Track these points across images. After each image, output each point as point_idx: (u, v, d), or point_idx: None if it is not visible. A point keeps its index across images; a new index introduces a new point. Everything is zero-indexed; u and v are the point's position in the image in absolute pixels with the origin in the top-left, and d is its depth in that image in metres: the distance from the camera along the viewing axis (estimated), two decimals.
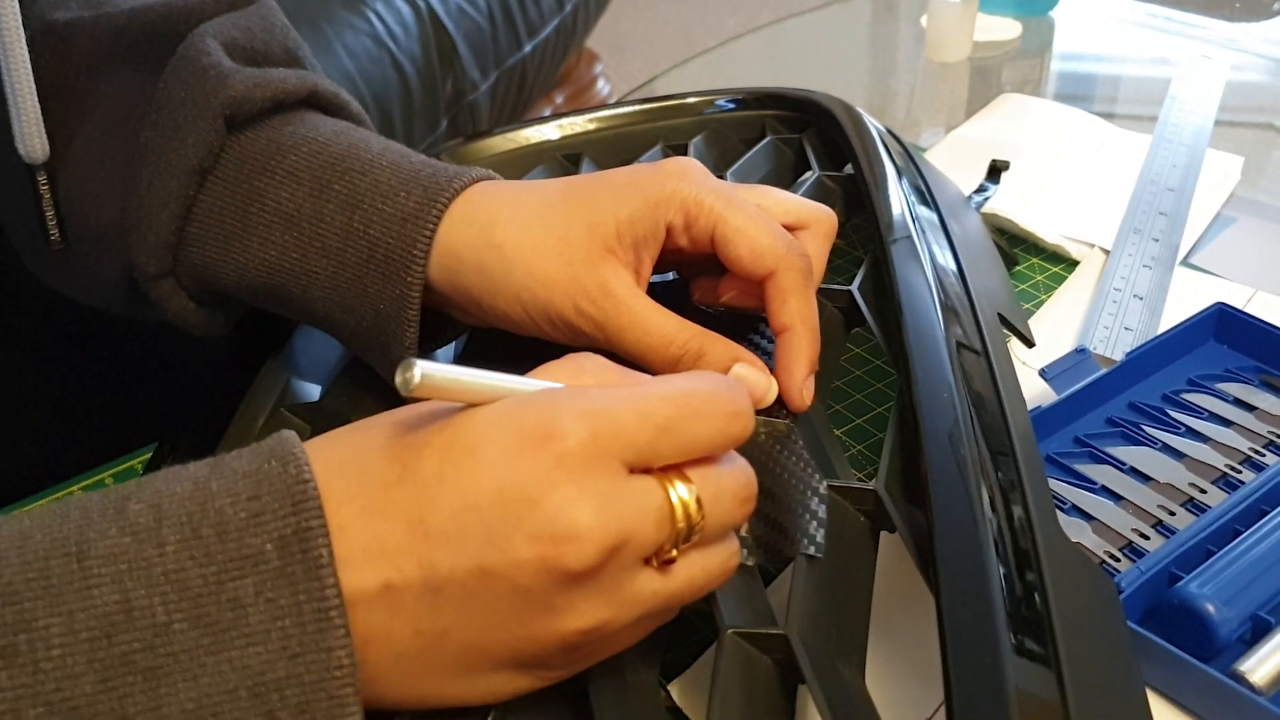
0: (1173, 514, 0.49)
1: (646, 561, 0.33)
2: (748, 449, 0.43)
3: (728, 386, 0.34)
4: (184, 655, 0.30)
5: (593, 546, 0.31)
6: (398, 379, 0.31)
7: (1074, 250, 0.67)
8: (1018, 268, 0.67)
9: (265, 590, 0.30)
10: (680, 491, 0.33)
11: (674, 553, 0.33)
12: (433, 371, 0.31)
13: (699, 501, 0.33)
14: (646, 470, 0.33)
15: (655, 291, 0.45)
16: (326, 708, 0.30)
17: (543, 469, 0.31)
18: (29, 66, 0.48)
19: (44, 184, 0.51)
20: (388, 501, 0.32)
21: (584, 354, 0.36)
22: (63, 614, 0.29)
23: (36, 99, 0.49)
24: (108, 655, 0.29)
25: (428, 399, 0.32)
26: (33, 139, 0.49)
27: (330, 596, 0.30)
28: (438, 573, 0.31)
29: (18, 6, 0.47)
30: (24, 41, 0.47)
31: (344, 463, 0.33)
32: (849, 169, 0.59)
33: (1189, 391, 0.55)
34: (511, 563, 0.31)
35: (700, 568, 0.34)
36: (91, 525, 0.31)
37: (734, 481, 0.34)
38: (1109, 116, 0.83)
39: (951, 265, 0.51)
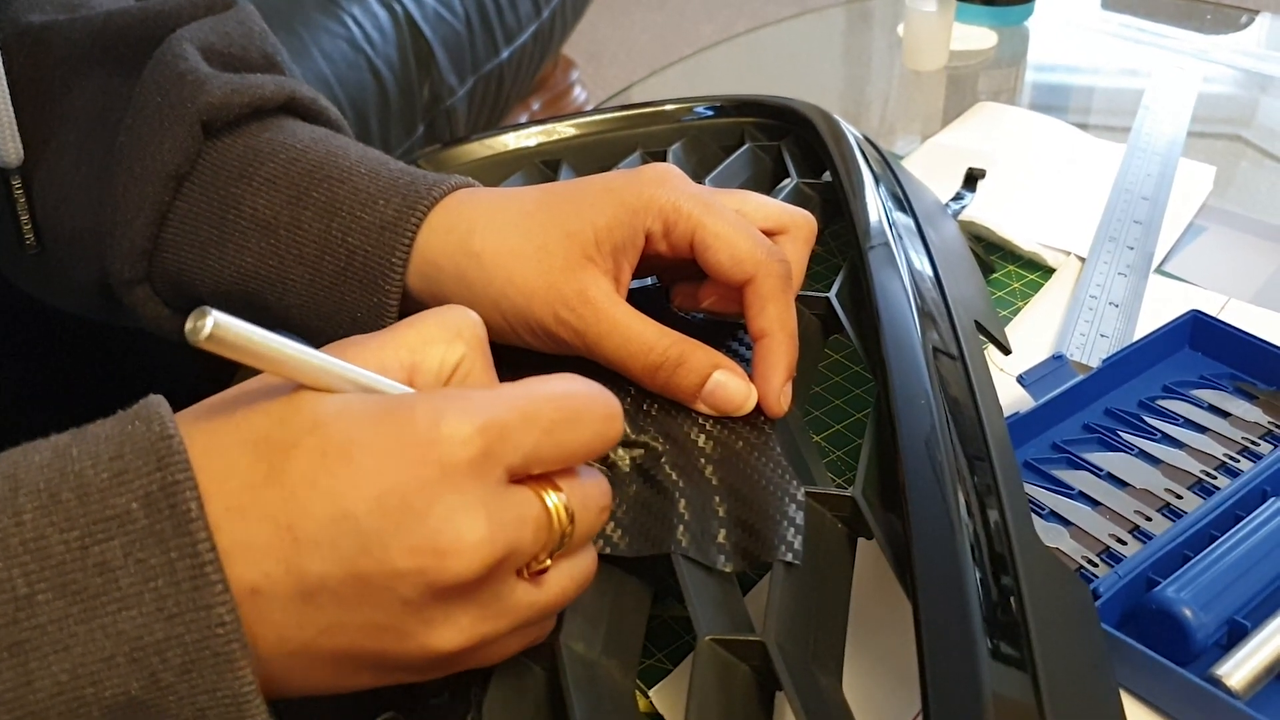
0: (1149, 519, 0.49)
1: (518, 573, 0.32)
2: (732, 454, 0.43)
3: (601, 389, 0.34)
4: (51, 627, 0.28)
5: (479, 560, 0.30)
6: (188, 326, 0.28)
7: (1050, 258, 0.68)
8: (994, 275, 0.67)
9: (134, 551, 0.29)
10: (554, 499, 0.32)
11: (547, 562, 0.33)
12: (229, 325, 0.28)
13: (568, 509, 0.32)
14: (522, 478, 0.32)
15: (635, 298, 0.45)
16: (213, 665, 0.29)
17: (426, 477, 0.30)
18: (1, 70, 0.47)
19: (18, 188, 0.50)
20: (252, 503, 0.30)
21: (457, 309, 0.35)
22: None
23: (9, 103, 0.48)
24: None
25: (220, 355, 0.29)
26: (5, 143, 0.49)
27: (203, 551, 0.29)
28: (308, 580, 0.30)
29: None
30: None
31: (205, 453, 0.30)
32: (827, 176, 0.60)
33: (1164, 398, 0.56)
34: (390, 573, 0.30)
35: (569, 576, 0.34)
36: None
37: (596, 489, 0.34)
38: (1083, 126, 0.83)
39: (929, 272, 0.51)
